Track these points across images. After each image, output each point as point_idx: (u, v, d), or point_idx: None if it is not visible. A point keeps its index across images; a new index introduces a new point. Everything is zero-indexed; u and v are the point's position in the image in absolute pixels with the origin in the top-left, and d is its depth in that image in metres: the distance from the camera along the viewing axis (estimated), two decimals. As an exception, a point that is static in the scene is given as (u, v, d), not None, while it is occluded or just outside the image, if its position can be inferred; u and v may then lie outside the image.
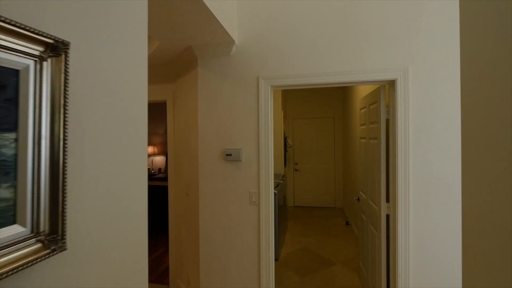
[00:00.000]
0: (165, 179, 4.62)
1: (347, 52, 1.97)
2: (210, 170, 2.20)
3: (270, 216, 2.11)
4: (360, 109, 2.85)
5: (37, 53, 0.60)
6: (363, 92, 3.77)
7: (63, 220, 0.65)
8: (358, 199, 2.87)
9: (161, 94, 2.84)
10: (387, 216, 2.09)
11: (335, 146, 5.82)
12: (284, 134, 5.42)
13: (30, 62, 0.59)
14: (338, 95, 5.79)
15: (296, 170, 5.95)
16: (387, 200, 2.07)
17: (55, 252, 0.63)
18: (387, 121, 2.10)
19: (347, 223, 4.77)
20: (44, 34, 0.60)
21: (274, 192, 3.36)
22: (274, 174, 4.63)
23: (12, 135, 0.57)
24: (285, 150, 5.42)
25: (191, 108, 2.40)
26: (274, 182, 3.87)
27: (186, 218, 2.56)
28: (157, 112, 5.51)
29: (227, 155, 2.14)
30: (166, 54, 2.47)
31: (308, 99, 5.92)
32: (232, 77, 2.17)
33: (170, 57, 2.56)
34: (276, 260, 3.42)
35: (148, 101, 2.71)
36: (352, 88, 4.62)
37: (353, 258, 3.48)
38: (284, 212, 4.22)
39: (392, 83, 1.97)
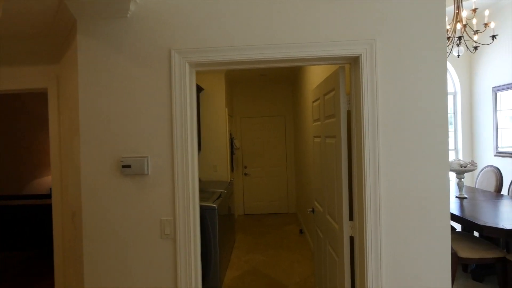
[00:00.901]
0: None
1: (294, 17, 1.41)
2: (98, 189, 1.44)
3: (193, 254, 1.45)
4: (313, 101, 2.36)
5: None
6: (317, 81, 3.32)
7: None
8: (313, 211, 2.37)
9: (39, 79, 1.96)
10: (351, 238, 1.59)
11: (286, 146, 5.38)
12: (231, 134, 4.80)
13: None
14: (289, 91, 5.37)
15: (245, 174, 5.37)
16: (351, 218, 1.57)
17: None
18: (349, 114, 1.60)
19: (300, 231, 4.33)
20: None
21: (213, 206, 2.70)
22: (218, 182, 3.97)
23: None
24: (232, 153, 4.79)
25: (73, 98, 1.61)
26: (216, 193, 3.20)
27: (75, 255, 1.74)
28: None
29: (124, 166, 1.41)
30: (31, 16, 1.63)
31: (258, 96, 5.39)
32: (130, 50, 1.45)
33: (41, 22, 1.73)
34: (218, 290, 2.75)
35: (17, 89, 1.83)
36: (304, 80, 4.20)
37: (309, 276, 2.99)
38: (230, 225, 3.58)
39: (355, 62, 1.47)
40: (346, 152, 1.59)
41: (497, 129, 4.39)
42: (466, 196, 3.08)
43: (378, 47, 1.38)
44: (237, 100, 5.41)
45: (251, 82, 5.34)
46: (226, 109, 4.31)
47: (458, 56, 3.26)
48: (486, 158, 4.60)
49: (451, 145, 5.10)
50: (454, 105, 5.05)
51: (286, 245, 3.85)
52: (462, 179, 3.12)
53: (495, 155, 4.43)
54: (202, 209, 2.69)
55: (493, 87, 4.39)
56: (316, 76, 3.29)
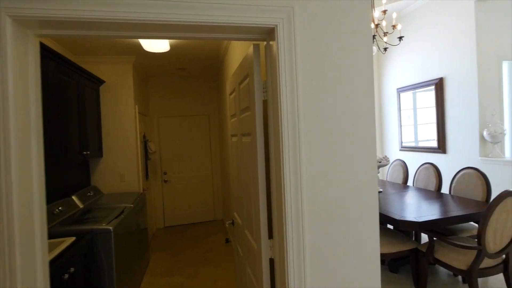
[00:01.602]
0: None
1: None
2: None
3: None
4: (229, 94, 2.01)
5: None
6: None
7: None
8: (233, 223, 2.01)
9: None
10: (272, 261, 1.27)
11: (211, 148, 4.95)
12: (144, 137, 4.11)
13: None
14: (213, 88, 4.96)
15: (165, 181, 4.72)
16: (270, 235, 1.25)
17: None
18: (266, 104, 1.28)
19: (227, 240, 3.96)
20: None
21: (106, 229, 2.09)
22: (126, 194, 3.28)
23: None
24: (147, 158, 4.11)
25: None
26: (117, 209, 2.56)
27: None
28: None
29: None
30: None
31: (178, 93, 4.81)
32: None
33: None
34: (118, 335, 2.15)
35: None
36: (226, 73, 3.84)
37: (234, 294, 2.64)
38: (139, 245, 2.96)
39: (270, 36, 1.16)
40: (263, 152, 1.27)
41: (401, 126, 4.88)
42: (381, 190, 3.21)
43: (297, 16, 1.09)
44: (153, 97, 4.72)
45: (169, 77, 4.74)
46: (137, 106, 3.64)
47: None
48: (394, 153, 5.08)
49: (365, 142, 5.49)
50: (367, 105, 5.45)
51: (210, 259, 3.42)
52: (378, 174, 3.24)
53: (400, 150, 4.92)
54: (92, 233, 2.05)
55: (397, 88, 4.86)
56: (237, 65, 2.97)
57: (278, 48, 1.07)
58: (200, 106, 4.90)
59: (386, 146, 5.23)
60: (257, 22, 1.06)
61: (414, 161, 4.58)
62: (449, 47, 3.88)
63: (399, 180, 3.77)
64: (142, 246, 3.06)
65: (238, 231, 1.85)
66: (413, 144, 4.64)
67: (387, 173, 4.08)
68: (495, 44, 3.64)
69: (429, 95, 4.23)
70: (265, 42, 1.22)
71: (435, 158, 4.21)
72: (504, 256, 2.10)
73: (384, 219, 2.36)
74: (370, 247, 1.17)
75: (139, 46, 3.11)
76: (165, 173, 4.71)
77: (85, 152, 2.71)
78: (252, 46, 1.27)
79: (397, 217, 2.29)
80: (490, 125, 3.46)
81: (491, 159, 3.48)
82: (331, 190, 1.12)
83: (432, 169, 3.33)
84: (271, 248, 1.25)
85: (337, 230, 1.13)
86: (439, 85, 4.04)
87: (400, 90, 4.77)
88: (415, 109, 4.55)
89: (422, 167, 3.48)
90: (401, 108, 4.80)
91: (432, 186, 3.28)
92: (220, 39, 1.19)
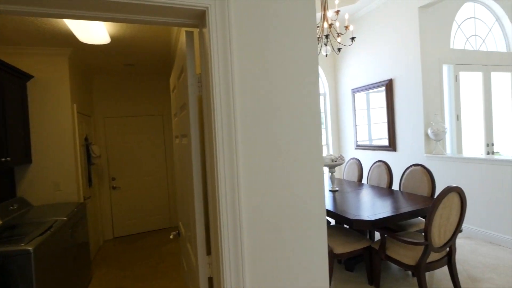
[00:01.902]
0: None
1: None
2: None
3: None
4: (172, 90, 1.81)
5: None
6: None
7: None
8: (179, 234, 1.81)
9: None
10: (210, 280, 1.12)
11: (166, 150, 4.64)
12: (87, 139, 3.69)
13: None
14: (166, 86, 4.65)
15: (113, 188, 4.30)
16: (209, 252, 1.10)
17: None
18: (201, 101, 1.12)
19: (183, 248, 3.71)
20: None
21: (24, 250, 1.75)
22: (61, 205, 2.89)
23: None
24: (90, 163, 3.69)
25: None
26: (46, 224, 2.21)
27: None
28: None
29: None
30: None
31: (128, 92, 4.42)
32: None
33: None
34: None
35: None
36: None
37: (187, 309, 2.42)
38: (77, 264, 2.61)
39: (202, 22, 1.00)
40: (199, 156, 1.11)
41: (356, 125, 5.04)
42: (337, 188, 3.23)
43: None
44: (98, 95, 4.27)
45: (117, 74, 4.34)
46: (75, 105, 3.23)
47: (326, 55, 3.40)
48: (350, 151, 5.24)
49: (323, 141, 5.59)
50: (324, 105, 5.56)
51: (163, 272, 3.15)
52: (334, 173, 3.26)
53: (355, 148, 5.08)
54: (5, 256, 1.71)
55: (352, 89, 5.01)
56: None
57: (210, 36, 0.92)
58: (153, 105, 4.57)
59: (343, 145, 5.38)
60: (184, 1, 0.90)
61: (368, 159, 4.76)
62: (397, 50, 4.07)
63: (355, 178, 3.86)
64: (81, 263, 2.70)
65: (182, 243, 1.66)
66: (367, 143, 4.81)
67: (344, 172, 4.17)
68: (436, 48, 3.90)
69: (381, 95, 4.41)
70: (198, 29, 1.06)
71: (387, 156, 4.41)
72: (448, 249, 2.19)
73: (340, 219, 2.35)
74: (319, 258, 1.07)
75: (74, 37, 2.74)
76: (113, 179, 4.29)
77: (4, 159, 2.29)
78: (184, 33, 1.11)
79: (351, 216, 2.28)
80: (433, 124, 3.69)
81: (434, 155, 3.71)
82: (274, 196, 1.00)
83: (383, 166, 3.44)
84: (209, 265, 1.09)
85: (282, 240, 1.01)
86: (389, 86, 4.23)
87: (355, 91, 4.92)
88: (368, 109, 4.73)
89: (375, 165, 3.59)
90: (356, 108, 4.96)
91: (384, 183, 3.39)
92: (145, 23, 1.01)
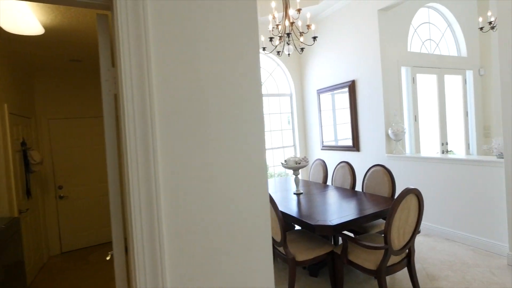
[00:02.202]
0: None
1: None
2: None
3: None
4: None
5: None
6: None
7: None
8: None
9: None
10: None
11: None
12: (24, 144, 3.24)
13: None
14: (121, 86, 4.28)
15: (60, 197, 3.86)
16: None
17: None
18: (116, 99, 0.92)
19: (140, 262, 3.41)
20: None
21: None
22: (-16, 221, 2.48)
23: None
24: (28, 171, 3.25)
25: None
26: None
27: None
28: None
29: None
30: None
31: (75, 90, 4.00)
32: None
33: None
34: None
35: None
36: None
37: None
38: (12, 286, 2.24)
39: (112, 1, 0.80)
40: (116, 162, 0.92)
41: (321, 126, 5.05)
42: (301, 191, 3.16)
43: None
44: (41, 95, 3.81)
45: (61, 70, 3.91)
46: (6, 105, 2.81)
47: (289, 54, 3.31)
48: (316, 152, 5.24)
49: (290, 142, 5.54)
50: (291, 106, 5.52)
51: (113, 289, 2.85)
52: (298, 175, 3.18)
53: (321, 149, 5.09)
54: None
55: (317, 90, 5.01)
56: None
57: (117, 19, 0.74)
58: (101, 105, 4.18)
59: (310, 146, 5.38)
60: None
61: (334, 159, 4.78)
62: (359, 51, 4.12)
63: (320, 180, 3.83)
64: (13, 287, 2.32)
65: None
66: (333, 143, 4.84)
67: (310, 173, 4.12)
68: (395, 51, 4.00)
69: (345, 96, 4.45)
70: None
71: (351, 156, 4.45)
72: (407, 251, 2.18)
73: (303, 224, 2.25)
74: (260, 267, 0.93)
75: (0, 28, 2.36)
76: (60, 187, 3.86)
77: None
78: (96, 17, 0.90)
79: (313, 222, 2.19)
80: (393, 124, 3.77)
81: (395, 155, 3.79)
82: (206, 216, 0.84)
83: (347, 167, 3.43)
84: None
85: (217, 270, 0.85)
86: (352, 87, 4.27)
87: (320, 91, 4.93)
88: (334, 109, 4.75)
89: (339, 166, 3.57)
90: (322, 109, 4.97)
91: (347, 184, 3.38)
92: (52, 2, 0.79)
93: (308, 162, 3.13)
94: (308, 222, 2.19)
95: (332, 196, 2.92)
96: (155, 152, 0.76)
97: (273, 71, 5.29)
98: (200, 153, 0.83)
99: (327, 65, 4.73)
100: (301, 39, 3.28)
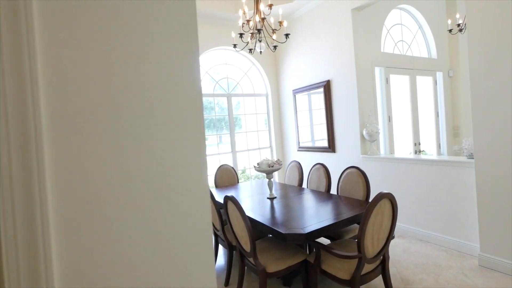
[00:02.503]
0: None
1: None
2: None
3: None
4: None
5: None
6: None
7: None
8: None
9: None
10: None
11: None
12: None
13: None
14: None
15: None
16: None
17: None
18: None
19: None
20: None
21: None
22: None
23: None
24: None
25: None
26: None
27: None
28: None
29: None
30: None
31: None
32: None
33: None
34: None
35: None
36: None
37: None
38: None
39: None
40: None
41: (297, 127, 4.96)
42: (275, 196, 3.01)
43: None
44: None
45: None
46: None
47: (261, 52, 3.16)
48: (293, 153, 5.14)
49: (266, 143, 5.41)
50: (267, 106, 5.39)
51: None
52: (272, 179, 3.03)
53: (298, 150, 5.00)
54: None
55: (293, 90, 4.91)
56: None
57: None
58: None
59: (286, 147, 5.27)
60: None
61: (311, 161, 4.69)
62: (334, 51, 4.05)
63: (295, 182, 3.71)
64: None
65: None
66: (310, 144, 4.75)
67: (285, 175, 4.00)
68: (369, 51, 3.97)
69: (321, 97, 4.37)
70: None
71: (327, 157, 4.38)
72: (381, 257, 2.09)
73: (274, 233, 2.10)
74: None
75: None
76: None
77: None
78: None
79: (284, 230, 2.04)
80: (368, 124, 3.73)
81: (370, 156, 3.75)
82: (115, 248, 0.65)
83: (322, 169, 3.34)
84: None
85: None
86: (327, 87, 4.20)
87: (296, 92, 4.83)
88: (310, 110, 4.67)
89: (314, 167, 3.47)
90: (298, 110, 4.87)
91: (323, 187, 3.28)
92: None
93: (281, 165, 2.99)
94: (279, 230, 2.04)
95: (307, 200, 2.79)
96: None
97: (248, 70, 5.13)
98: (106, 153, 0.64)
99: (302, 65, 4.64)
100: (274, 36, 3.14)
